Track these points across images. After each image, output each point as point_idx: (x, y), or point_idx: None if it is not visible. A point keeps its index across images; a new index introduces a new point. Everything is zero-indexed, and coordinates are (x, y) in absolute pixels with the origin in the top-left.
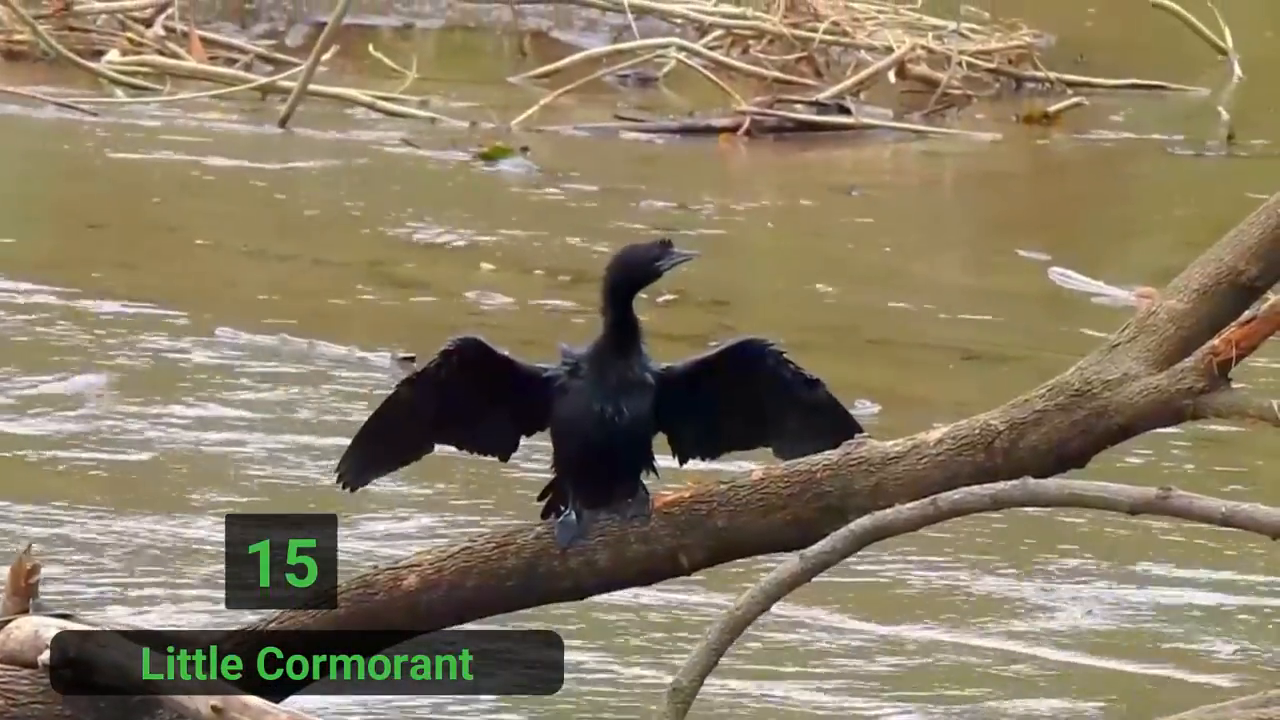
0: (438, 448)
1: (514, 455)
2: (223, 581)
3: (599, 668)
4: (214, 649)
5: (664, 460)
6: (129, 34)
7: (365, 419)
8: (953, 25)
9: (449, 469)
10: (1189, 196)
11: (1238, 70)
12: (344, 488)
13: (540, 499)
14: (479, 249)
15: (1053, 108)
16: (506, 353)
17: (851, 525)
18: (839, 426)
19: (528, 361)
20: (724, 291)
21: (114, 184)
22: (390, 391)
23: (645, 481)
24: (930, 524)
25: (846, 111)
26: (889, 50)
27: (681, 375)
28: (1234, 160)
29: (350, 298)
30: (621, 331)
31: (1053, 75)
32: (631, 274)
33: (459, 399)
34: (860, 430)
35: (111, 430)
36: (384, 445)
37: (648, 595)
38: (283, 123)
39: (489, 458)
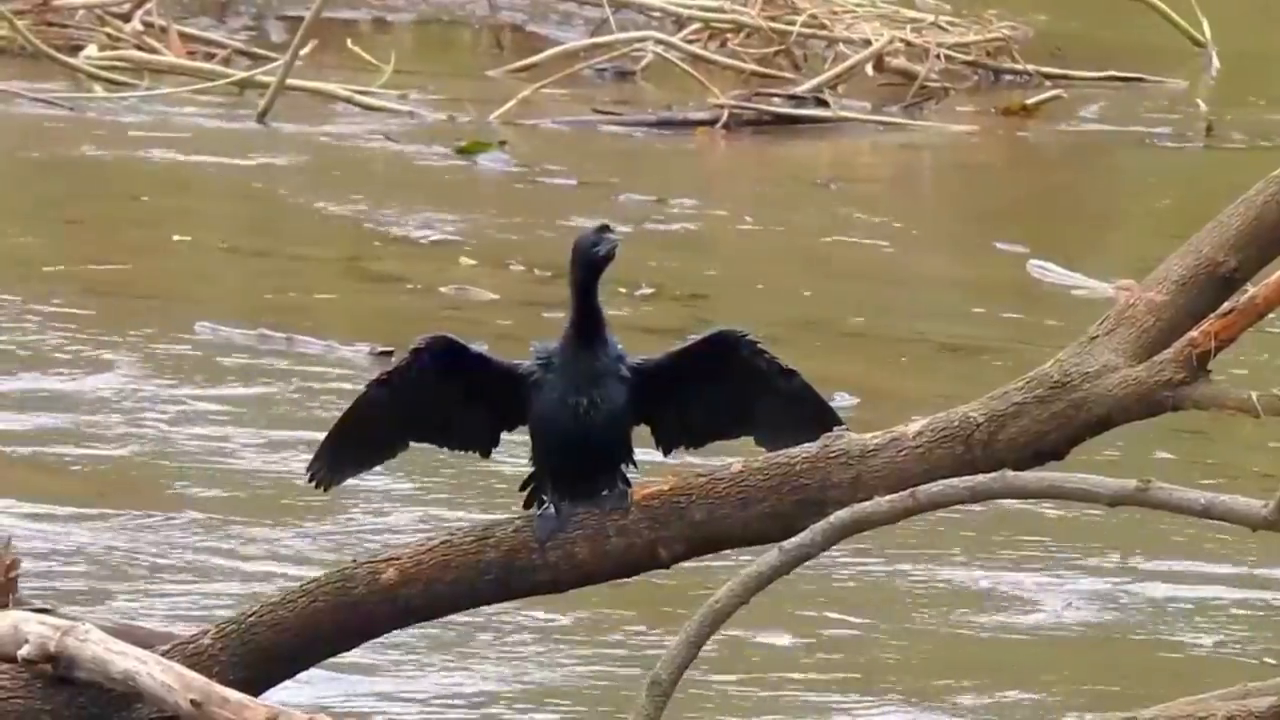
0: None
1: (496, 450)
2: (202, 576)
3: (580, 659)
4: (195, 643)
5: (644, 453)
6: (107, 29)
7: (339, 417)
8: (930, 18)
9: (431, 464)
10: (1167, 188)
11: (1215, 62)
12: (317, 487)
13: (521, 490)
14: (457, 243)
15: (1031, 100)
16: (480, 349)
17: (831, 518)
18: (818, 417)
19: (502, 357)
20: (701, 285)
21: (91, 180)
22: (362, 389)
23: (625, 474)
24: (909, 516)
25: (824, 104)
26: (867, 43)
27: (658, 368)
28: (1212, 152)
29: (328, 293)
30: (585, 323)
31: (1031, 67)
32: (579, 264)
33: (432, 397)
34: (839, 420)
35: (91, 425)
36: (357, 444)
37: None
38: (261, 117)
39: (469, 453)
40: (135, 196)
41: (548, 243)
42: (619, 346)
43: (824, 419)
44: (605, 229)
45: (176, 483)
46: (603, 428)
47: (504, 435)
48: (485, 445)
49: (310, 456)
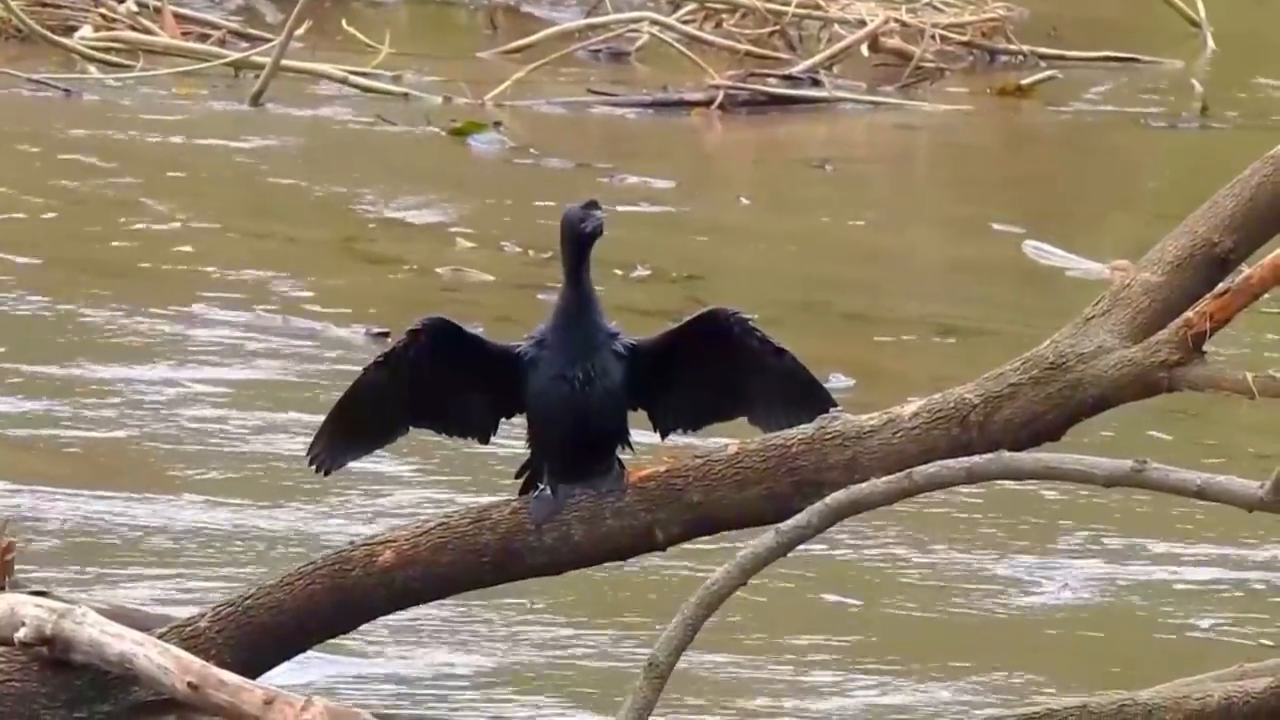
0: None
1: (495, 434)
2: (200, 558)
3: (577, 641)
4: (191, 625)
5: (640, 435)
6: (102, 10)
7: (336, 399)
8: None
9: (429, 446)
10: (1163, 169)
11: (1211, 42)
12: (317, 470)
13: (518, 476)
14: (452, 225)
15: (1026, 80)
16: (477, 331)
17: (827, 499)
18: (809, 395)
19: (499, 340)
20: (697, 267)
21: (87, 161)
22: (360, 371)
23: (620, 457)
24: (905, 498)
25: (819, 85)
26: (862, 23)
27: (653, 349)
28: (1208, 132)
29: (324, 274)
30: (575, 300)
31: (1026, 48)
32: (567, 240)
33: (430, 379)
34: (830, 399)
35: (87, 407)
36: (357, 427)
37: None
38: (255, 99)
39: (467, 440)
40: (131, 178)
41: (543, 224)
42: (612, 325)
43: (816, 397)
44: (593, 205)
45: (173, 464)
46: (600, 400)
47: (501, 422)
48: (483, 432)
49: (308, 438)
